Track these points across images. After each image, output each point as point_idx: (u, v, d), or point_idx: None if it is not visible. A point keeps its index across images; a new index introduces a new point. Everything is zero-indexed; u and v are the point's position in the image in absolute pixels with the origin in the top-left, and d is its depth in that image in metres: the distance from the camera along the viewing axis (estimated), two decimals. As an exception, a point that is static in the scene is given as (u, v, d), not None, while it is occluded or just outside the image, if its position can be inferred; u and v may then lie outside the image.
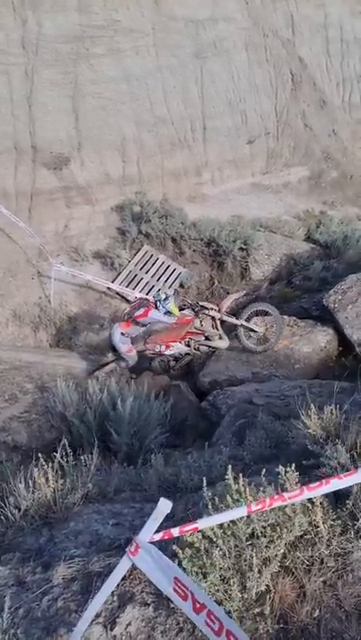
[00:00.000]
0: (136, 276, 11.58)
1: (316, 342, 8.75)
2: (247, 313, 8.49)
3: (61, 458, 4.09)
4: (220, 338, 8.42)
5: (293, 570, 2.59)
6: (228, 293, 10.49)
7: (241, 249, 11.59)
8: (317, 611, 2.45)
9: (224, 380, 8.22)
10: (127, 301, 11.17)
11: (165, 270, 11.67)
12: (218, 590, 2.42)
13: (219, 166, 13.90)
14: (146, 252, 11.84)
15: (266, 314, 8.58)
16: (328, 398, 5.10)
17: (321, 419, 4.20)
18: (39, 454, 4.01)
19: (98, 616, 2.44)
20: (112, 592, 2.56)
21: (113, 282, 11.28)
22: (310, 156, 15.20)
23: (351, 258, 11.33)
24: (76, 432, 6.22)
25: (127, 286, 11.33)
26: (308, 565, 2.62)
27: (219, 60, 13.68)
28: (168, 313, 8.01)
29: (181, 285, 11.61)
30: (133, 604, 2.48)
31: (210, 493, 2.79)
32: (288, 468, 2.85)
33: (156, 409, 6.44)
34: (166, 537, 2.21)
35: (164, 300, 7.97)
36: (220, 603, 2.41)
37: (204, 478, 2.91)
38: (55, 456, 4.03)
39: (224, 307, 8.44)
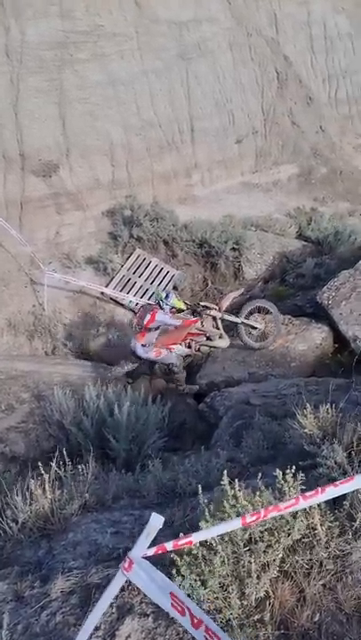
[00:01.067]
0: (129, 280, 11.56)
1: (311, 340, 8.74)
2: (247, 310, 8.49)
3: (58, 467, 4.06)
4: (221, 337, 8.44)
5: (293, 574, 2.58)
6: (222, 294, 10.49)
7: (233, 249, 11.59)
8: (318, 615, 2.44)
9: (221, 382, 8.21)
10: (122, 306, 11.16)
11: (159, 273, 11.65)
12: (217, 598, 2.40)
13: (208, 167, 13.91)
14: (138, 256, 11.82)
15: (265, 311, 8.59)
16: (324, 396, 5.10)
17: (317, 418, 4.19)
18: (37, 464, 3.99)
19: (97, 629, 2.42)
20: (111, 604, 2.55)
21: (106, 287, 11.25)
22: (299, 154, 15.22)
23: (343, 254, 11.34)
24: (73, 440, 6.20)
25: (121, 290, 11.31)
26: (307, 569, 2.60)
27: (204, 60, 13.69)
28: (173, 309, 8.00)
29: (175, 287, 11.59)
30: (133, 616, 2.46)
31: (206, 500, 2.78)
32: (287, 471, 2.82)
33: (154, 413, 6.43)
34: (160, 551, 2.19)
35: (166, 297, 7.94)
36: (219, 611, 2.39)
37: (200, 486, 2.89)
38: (52, 466, 4.00)
39: (224, 305, 8.44)
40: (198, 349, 8.49)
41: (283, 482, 2.71)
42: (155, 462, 4.69)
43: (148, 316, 7.86)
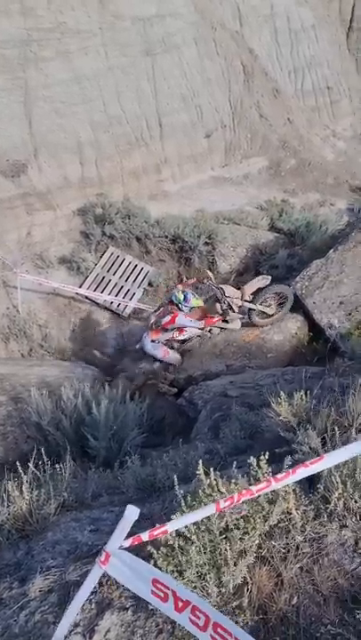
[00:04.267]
0: (104, 278, 11.50)
1: (286, 330, 8.83)
2: (265, 296, 8.56)
3: (36, 468, 4.02)
4: (235, 320, 8.62)
5: (269, 559, 2.60)
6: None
7: (206, 243, 11.61)
8: (295, 598, 2.46)
9: (199, 375, 8.23)
10: (97, 304, 11.10)
11: (133, 270, 11.62)
12: (195, 587, 2.41)
13: (178, 162, 13.88)
14: (112, 254, 11.76)
15: (281, 295, 8.67)
16: (299, 384, 5.15)
17: (291, 405, 4.23)
18: (15, 466, 3.95)
19: (77, 625, 2.41)
20: (90, 600, 2.54)
21: (80, 286, 11.17)
22: (268, 146, 15.29)
23: (315, 244, 11.45)
24: (52, 441, 6.15)
25: (95, 289, 11.25)
26: (283, 553, 2.63)
27: (169, 56, 13.64)
28: (192, 309, 8.01)
29: (150, 284, 11.58)
30: (112, 610, 2.46)
31: (182, 491, 2.78)
32: (261, 457, 2.84)
33: (133, 410, 6.42)
34: (136, 542, 2.18)
35: (185, 299, 7.89)
36: (198, 599, 2.39)
37: (175, 477, 2.90)
38: (29, 467, 3.96)
39: (247, 293, 8.49)
40: (210, 330, 8.55)
41: (257, 468, 2.73)
42: (133, 458, 4.68)
43: (168, 318, 7.84)
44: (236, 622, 2.36)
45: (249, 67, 15.28)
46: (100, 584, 2.58)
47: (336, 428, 3.70)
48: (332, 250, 9.53)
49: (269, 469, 2.72)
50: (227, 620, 1.99)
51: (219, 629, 1.97)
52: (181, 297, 7.90)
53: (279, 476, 2.19)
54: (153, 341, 8.03)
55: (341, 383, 4.95)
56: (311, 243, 11.65)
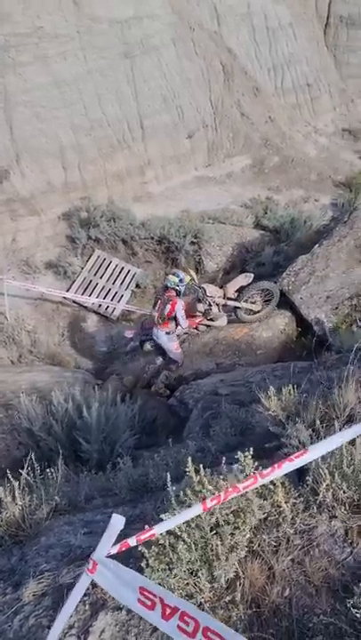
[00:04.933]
0: (91, 281, 11.49)
1: (275, 326, 8.86)
2: (251, 293, 8.58)
3: (28, 473, 4.02)
4: (220, 317, 8.65)
5: (261, 553, 2.61)
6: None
7: (192, 243, 11.64)
8: (288, 589, 2.48)
9: (190, 375, 8.24)
10: (85, 308, 11.08)
11: (120, 273, 11.62)
12: (187, 584, 2.42)
13: (161, 163, 13.91)
14: (98, 257, 11.75)
15: (267, 291, 8.71)
16: (288, 379, 5.19)
17: (280, 400, 4.26)
18: (7, 473, 3.94)
19: (71, 627, 2.42)
20: (84, 601, 2.54)
21: (68, 291, 11.15)
22: (250, 145, 15.35)
23: (300, 240, 11.51)
24: (44, 446, 6.13)
25: (83, 293, 11.23)
26: (275, 546, 2.64)
27: (148, 57, 13.66)
28: (187, 287, 8.04)
29: (138, 285, 11.58)
30: (106, 611, 2.46)
31: (173, 489, 2.79)
32: (247, 454, 2.86)
33: (124, 412, 6.41)
34: (124, 548, 2.19)
35: (180, 281, 7.85)
36: (191, 596, 2.41)
37: (168, 475, 2.91)
38: (21, 473, 3.96)
39: (230, 292, 8.53)
40: (196, 327, 8.56)
41: (244, 464, 2.75)
42: (125, 460, 4.69)
43: (169, 307, 7.82)
44: (230, 617, 2.38)
45: (228, 66, 15.34)
46: (94, 585, 2.58)
47: (324, 421, 3.74)
48: (317, 245, 9.59)
49: (255, 464, 2.74)
50: (216, 623, 1.97)
51: (209, 633, 1.95)
52: (176, 279, 7.84)
53: (265, 471, 2.21)
54: (168, 333, 8.01)
55: (329, 376, 4.99)
56: (296, 239, 11.71)
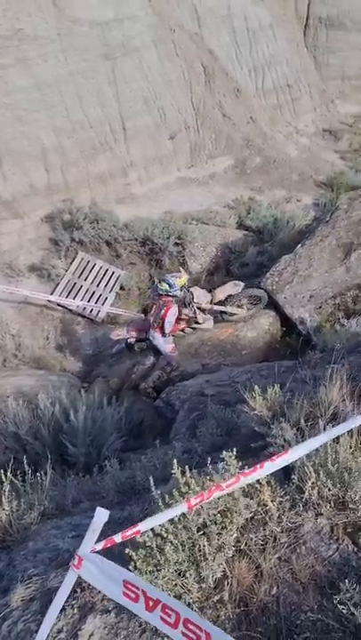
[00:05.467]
0: (75, 284, 11.45)
1: (259, 326, 8.92)
2: (239, 300, 8.64)
3: (15, 478, 4.00)
4: (206, 320, 8.66)
5: (248, 552, 2.64)
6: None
7: (176, 244, 11.66)
8: (275, 588, 2.50)
9: (176, 376, 8.25)
10: (70, 311, 11.04)
11: (104, 275, 11.59)
12: (175, 585, 2.43)
13: (144, 165, 13.92)
14: (82, 259, 11.72)
15: (255, 298, 8.77)
16: (274, 379, 5.22)
17: (266, 399, 4.29)
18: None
19: (60, 631, 2.42)
20: (72, 605, 2.54)
21: (52, 294, 11.10)
22: (232, 145, 15.42)
23: (283, 239, 11.59)
24: (31, 450, 6.10)
25: (67, 296, 11.19)
26: (262, 545, 2.67)
27: (129, 59, 13.66)
28: (182, 288, 8.02)
29: (122, 287, 11.57)
30: (94, 614, 2.46)
31: (159, 491, 2.81)
32: (230, 454, 2.87)
33: (111, 415, 6.41)
34: (109, 545, 2.20)
35: (170, 287, 7.77)
36: (179, 597, 2.42)
37: (152, 477, 2.92)
38: (8, 478, 3.94)
39: (218, 297, 8.57)
40: (183, 329, 8.58)
41: (228, 464, 2.77)
42: (112, 462, 4.69)
43: (163, 311, 7.80)
44: (218, 616, 2.40)
45: (209, 67, 15.40)
46: (82, 589, 2.59)
47: (309, 420, 3.78)
48: (299, 245, 9.66)
49: (240, 464, 2.76)
50: (196, 615, 2.03)
51: (189, 625, 2.01)
52: (166, 286, 7.75)
53: (247, 470, 2.23)
54: (164, 336, 8.00)
55: (314, 375, 5.04)
56: (280, 239, 11.79)
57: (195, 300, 8.33)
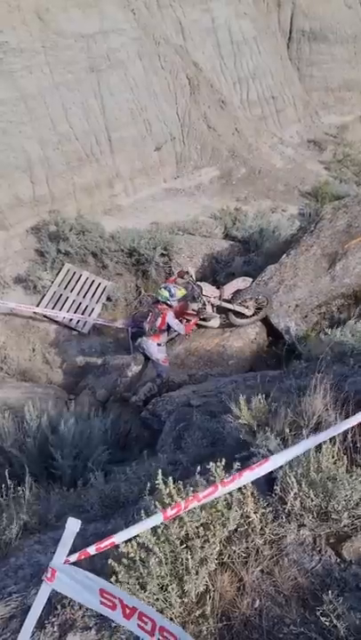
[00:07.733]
0: (61, 295, 11.41)
1: (246, 336, 8.91)
2: (245, 297, 8.56)
3: (-3, 493, 3.95)
4: (214, 318, 8.64)
5: (231, 564, 2.61)
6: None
7: (162, 255, 11.67)
8: (258, 600, 2.48)
9: (163, 387, 8.22)
10: (57, 323, 10.98)
11: (90, 286, 11.57)
12: (158, 599, 2.40)
13: (130, 176, 13.96)
14: (68, 271, 11.69)
15: (259, 298, 8.72)
16: (259, 389, 5.22)
17: (251, 409, 4.28)
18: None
19: (40, 650, 2.37)
20: (52, 622, 2.50)
21: (38, 305, 11.05)
22: (218, 156, 15.54)
23: (269, 249, 11.63)
24: (16, 463, 6.03)
25: (53, 307, 11.14)
26: (244, 557, 2.64)
27: (115, 71, 13.74)
28: (179, 300, 8.00)
29: (109, 298, 11.54)
30: (75, 631, 2.42)
31: (144, 504, 2.78)
32: (218, 464, 2.86)
33: (97, 426, 6.36)
34: (83, 557, 2.17)
35: (170, 295, 7.79)
36: (161, 611, 2.39)
37: (136, 489, 2.89)
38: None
39: (226, 294, 8.51)
40: (196, 324, 8.62)
41: (215, 475, 2.75)
42: (97, 475, 4.64)
43: (160, 320, 7.77)
44: (200, 631, 2.37)
45: (194, 79, 15.54)
46: (63, 605, 2.55)
47: (293, 429, 3.77)
48: (285, 255, 9.71)
49: (225, 475, 2.74)
50: (170, 624, 2.04)
51: (164, 633, 2.03)
52: (167, 293, 7.80)
53: (226, 480, 2.22)
54: (159, 344, 7.96)
55: (298, 385, 5.04)
56: (266, 249, 11.84)
57: (204, 294, 8.31)
